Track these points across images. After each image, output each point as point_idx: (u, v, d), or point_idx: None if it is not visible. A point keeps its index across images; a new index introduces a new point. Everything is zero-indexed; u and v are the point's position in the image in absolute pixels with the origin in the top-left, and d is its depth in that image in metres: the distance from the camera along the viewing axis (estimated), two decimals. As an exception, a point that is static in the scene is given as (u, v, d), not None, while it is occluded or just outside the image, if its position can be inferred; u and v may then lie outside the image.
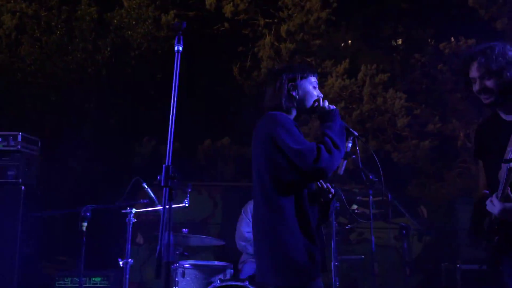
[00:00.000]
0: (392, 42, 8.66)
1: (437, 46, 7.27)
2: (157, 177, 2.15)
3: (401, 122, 6.62)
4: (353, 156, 3.97)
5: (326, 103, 2.60)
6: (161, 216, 2.06)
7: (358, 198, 4.28)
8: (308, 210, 2.44)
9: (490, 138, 2.33)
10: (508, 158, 1.99)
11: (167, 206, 2.08)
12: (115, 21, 6.94)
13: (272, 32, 7.43)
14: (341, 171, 4.02)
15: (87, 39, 6.72)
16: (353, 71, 7.20)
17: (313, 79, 2.66)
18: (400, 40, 8.65)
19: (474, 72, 2.25)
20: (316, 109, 2.60)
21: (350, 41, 8.84)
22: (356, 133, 2.71)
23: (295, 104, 2.59)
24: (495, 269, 2.27)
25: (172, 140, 2.14)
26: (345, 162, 3.99)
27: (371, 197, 3.88)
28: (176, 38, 2.26)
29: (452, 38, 7.51)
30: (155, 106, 7.01)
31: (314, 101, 2.62)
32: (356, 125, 6.77)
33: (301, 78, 2.63)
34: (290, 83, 2.59)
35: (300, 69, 2.66)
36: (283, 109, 2.56)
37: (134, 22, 6.89)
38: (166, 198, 2.08)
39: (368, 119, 6.82)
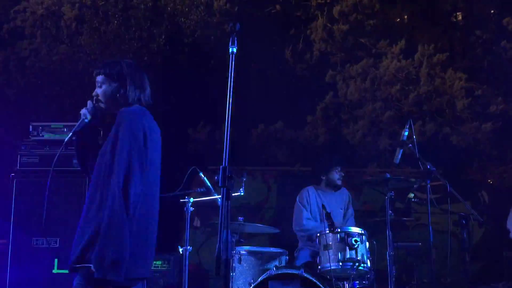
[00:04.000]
0: (452, 18, 8.27)
1: (500, 21, 6.89)
2: (215, 177, 2.22)
3: (461, 104, 6.37)
4: (409, 145, 3.90)
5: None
6: (220, 216, 2.13)
7: (415, 185, 4.18)
8: None
9: None
10: None
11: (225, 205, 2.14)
12: (169, 8, 7.04)
13: (325, 13, 7.28)
14: (397, 159, 3.97)
15: (142, 28, 6.87)
16: (410, 50, 6.97)
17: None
18: (460, 15, 8.25)
19: None
20: None
21: (406, 16, 8.53)
22: None
23: None
24: None
25: (228, 142, 2.17)
26: (401, 150, 3.94)
27: (429, 186, 3.79)
28: (230, 40, 2.29)
29: (517, 12, 7.09)
30: (209, 91, 7.11)
31: None
32: (412, 108, 6.59)
33: None
34: None
35: None
36: None
37: (187, 9, 6.96)
38: (224, 198, 2.14)
39: (426, 101, 6.61)
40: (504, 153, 6.44)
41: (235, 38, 2.28)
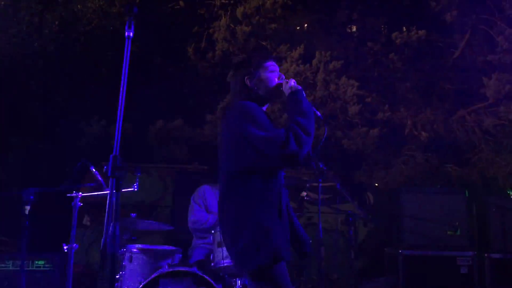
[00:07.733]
0: (347, 29, 8.75)
1: (390, 35, 7.42)
2: (103, 167, 2.09)
3: (352, 110, 6.74)
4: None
5: (292, 83, 2.61)
6: (107, 207, 2.01)
7: (307, 184, 4.34)
8: (279, 194, 2.49)
9: None
10: None
11: (114, 197, 2.03)
12: (64, -7, 6.63)
13: (228, 13, 7.32)
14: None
15: (33, 12, 6.38)
16: (308, 56, 7.24)
17: (269, 63, 2.69)
18: (355, 27, 8.76)
19: None
20: (280, 94, 2.63)
21: (306, 25, 8.86)
22: (320, 116, 2.67)
23: (254, 95, 2.63)
24: None
25: (120, 131, 2.07)
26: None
27: (320, 185, 3.94)
28: (127, 23, 2.18)
29: (404, 28, 7.67)
30: (106, 84, 6.80)
31: (277, 85, 2.64)
32: (308, 111, 6.83)
33: (256, 68, 2.67)
34: (246, 76, 2.65)
35: (254, 59, 2.69)
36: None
37: (84, -4, 6.62)
38: (113, 189, 2.02)
39: (321, 105, 6.90)
40: (388, 158, 6.93)
41: (132, 22, 2.17)
